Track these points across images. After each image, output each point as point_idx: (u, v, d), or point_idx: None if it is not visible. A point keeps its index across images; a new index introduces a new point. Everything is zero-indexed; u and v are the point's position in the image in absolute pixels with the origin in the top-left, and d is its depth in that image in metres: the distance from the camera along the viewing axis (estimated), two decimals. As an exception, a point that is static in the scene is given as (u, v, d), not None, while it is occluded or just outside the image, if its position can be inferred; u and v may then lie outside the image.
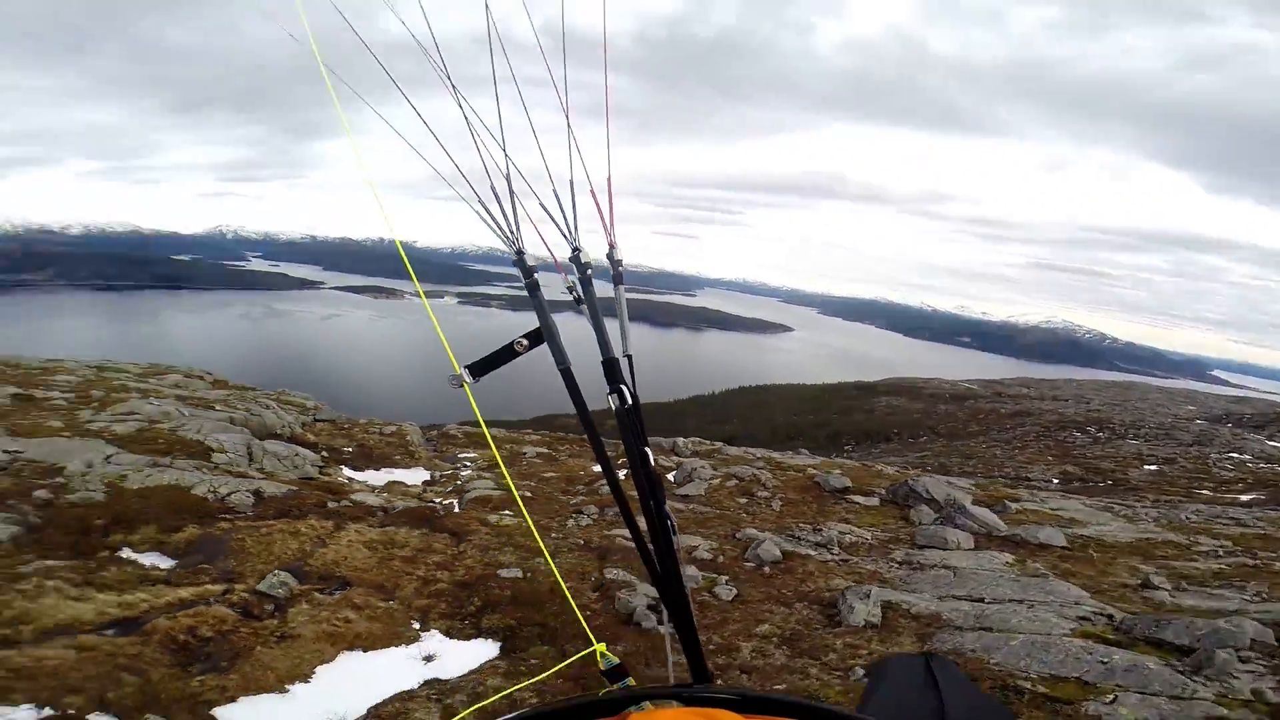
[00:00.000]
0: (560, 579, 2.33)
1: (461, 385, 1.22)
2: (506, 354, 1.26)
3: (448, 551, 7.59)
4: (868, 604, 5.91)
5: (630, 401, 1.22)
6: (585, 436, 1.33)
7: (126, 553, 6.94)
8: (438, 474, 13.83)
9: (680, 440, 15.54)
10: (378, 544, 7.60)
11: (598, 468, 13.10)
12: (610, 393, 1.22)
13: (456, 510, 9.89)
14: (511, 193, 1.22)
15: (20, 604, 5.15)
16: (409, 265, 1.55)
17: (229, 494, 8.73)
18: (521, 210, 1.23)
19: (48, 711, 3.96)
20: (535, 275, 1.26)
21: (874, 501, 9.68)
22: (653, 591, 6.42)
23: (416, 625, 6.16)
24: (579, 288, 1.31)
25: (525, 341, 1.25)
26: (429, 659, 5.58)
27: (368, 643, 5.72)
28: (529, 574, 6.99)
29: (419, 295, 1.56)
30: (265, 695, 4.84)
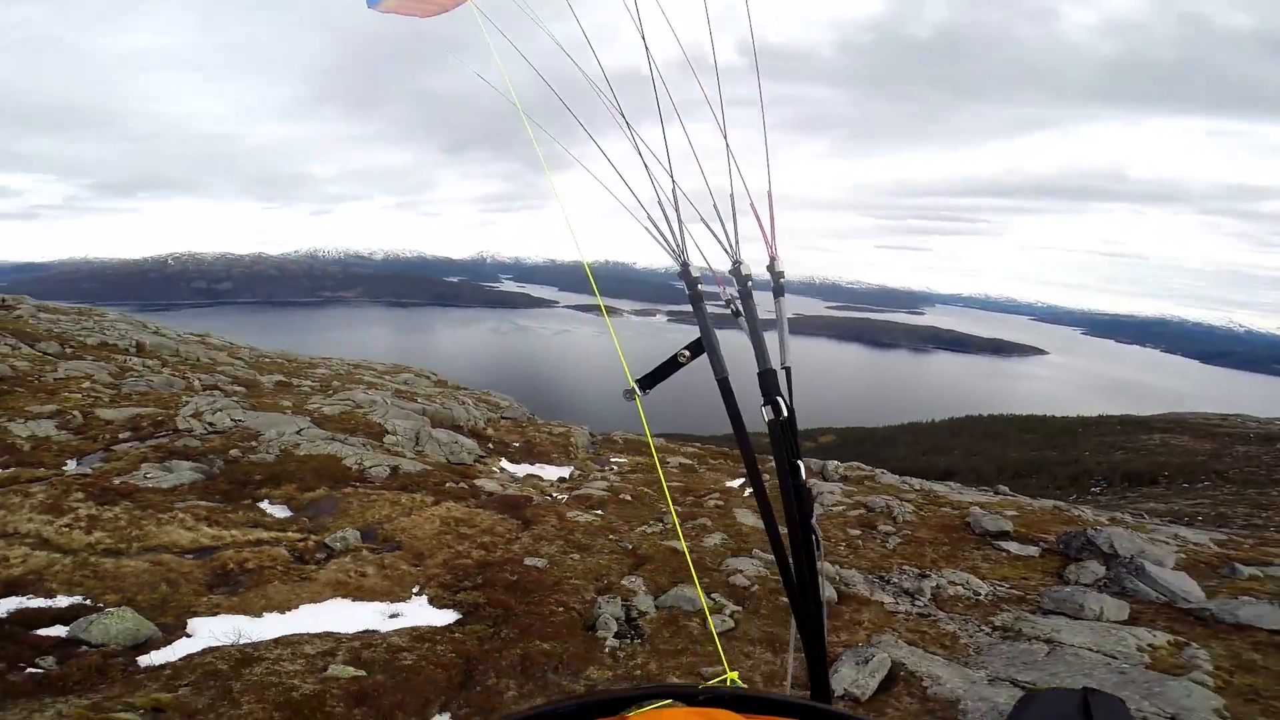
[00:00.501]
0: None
1: (633, 398, 1.28)
2: (671, 366, 1.30)
3: (505, 535, 7.80)
4: (861, 670, 4.55)
5: (785, 414, 1.22)
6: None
7: (265, 504, 8.35)
8: (577, 472, 14.12)
9: (830, 464, 13.92)
10: (453, 520, 8.11)
11: (731, 483, 12.22)
12: (765, 404, 1.22)
13: (554, 502, 9.93)
14: (677, 207, 1.26)
15: (149, 528, 6.30)
16: (594, 282, 1.67)
17: (371, 467, 9.91)
18: (688, 226, 1.29)
19: (82, 600, 4.76)
20: (699, 287, 1.28)
21: (1032, 551, 7.42)
22: (638, 605, 5.91)
23: (416, 589, 6.37)
24: (738, 301, 1.34)
25: (688, 353, 1.28)
26: (394, 616, 5.83)
27: (360, 594, 6.12)
28: (553, 566, 6.85)
29: (601, 310, 1.82)
30: (242, 616, 5.45)
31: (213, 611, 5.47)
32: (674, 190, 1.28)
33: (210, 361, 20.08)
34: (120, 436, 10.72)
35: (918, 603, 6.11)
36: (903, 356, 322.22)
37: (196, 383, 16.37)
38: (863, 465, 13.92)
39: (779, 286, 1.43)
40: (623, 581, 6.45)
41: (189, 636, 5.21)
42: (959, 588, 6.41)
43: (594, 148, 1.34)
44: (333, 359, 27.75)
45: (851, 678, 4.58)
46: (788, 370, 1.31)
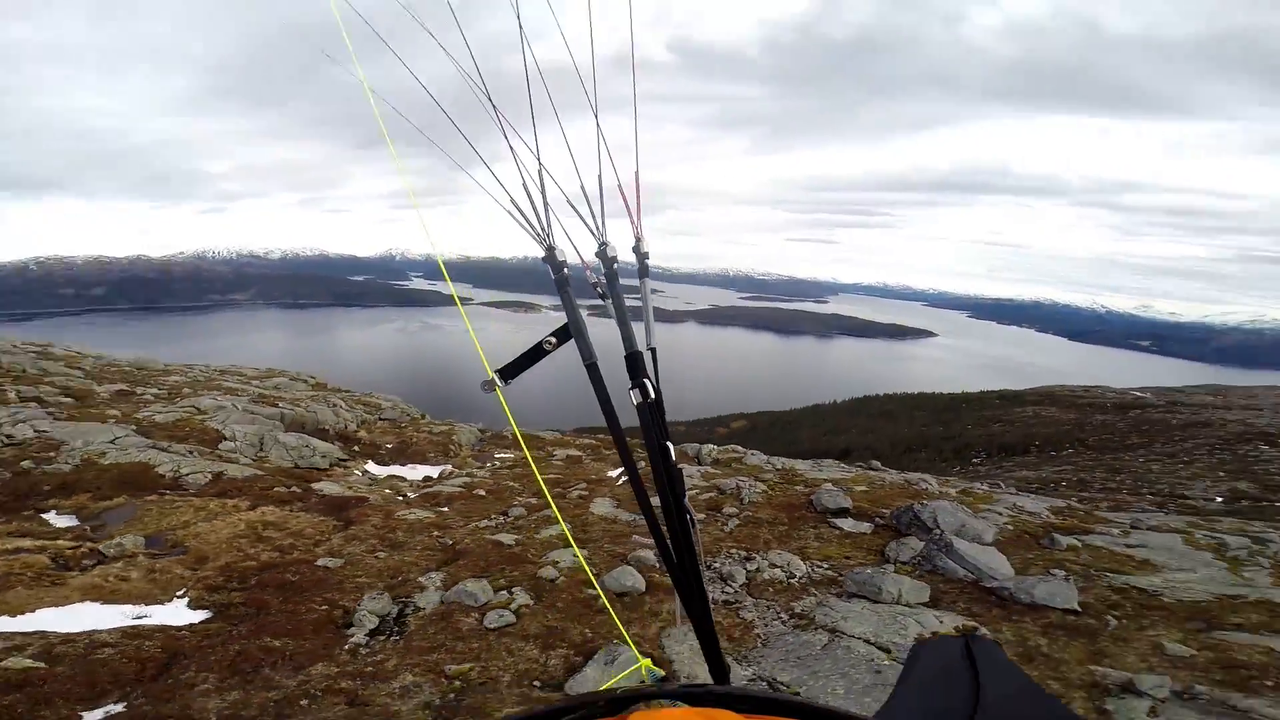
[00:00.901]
0: None
1: (494, 389, 1.23)
2: (536, 353, 1.24)
3: (314, 537, 7.38)
4: (606, 671, 4.31)
5: (652, 396, 1.20)
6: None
7: (51, 515, 7.67)
8: (452, 470, 13.55)
9: (705, 447, 13.99)
10: (261, 524, 7.65)
11: (613, 473, 12.03)
12: (632, 387, 1.19)
13: (395, 502, 9.45)
14: (543, 189, 1.23)
15: None
16: (447, 275, 1.65)
17: (188, 474, 9.36)
18: (554, 211, 1.25)
19: None
20: (565, 271, 1.22)
21: (865, 528, 7.40)
22: (418, 601, 5.61)
23: (180, 592, 5.97)
24: (603, 283, 1.29)
25: (554, 339, 1.23)
26: (140, 618, 5.56)
27: (114, 597, 5.76)
28: (347, 565, 6.54)
29: (456, 303, 1.68)
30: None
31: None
32: (540, 171, 1.24)
33: (39, 372, 17.80)
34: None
35: (728, 589, 5.86)
36: (809, 343, 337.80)
37: (14, 395, 14.43)
38: (737, 448, 14.03)
39: (644, 267, 1.40)
40: (420, 578, 5.98)
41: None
42: (778, 570, 6.20)
43: (460, 131, 1.32)
44: (196, 365, 25.46)
45: (595, 679, 4.21)
46: (653, 352, 1.29)
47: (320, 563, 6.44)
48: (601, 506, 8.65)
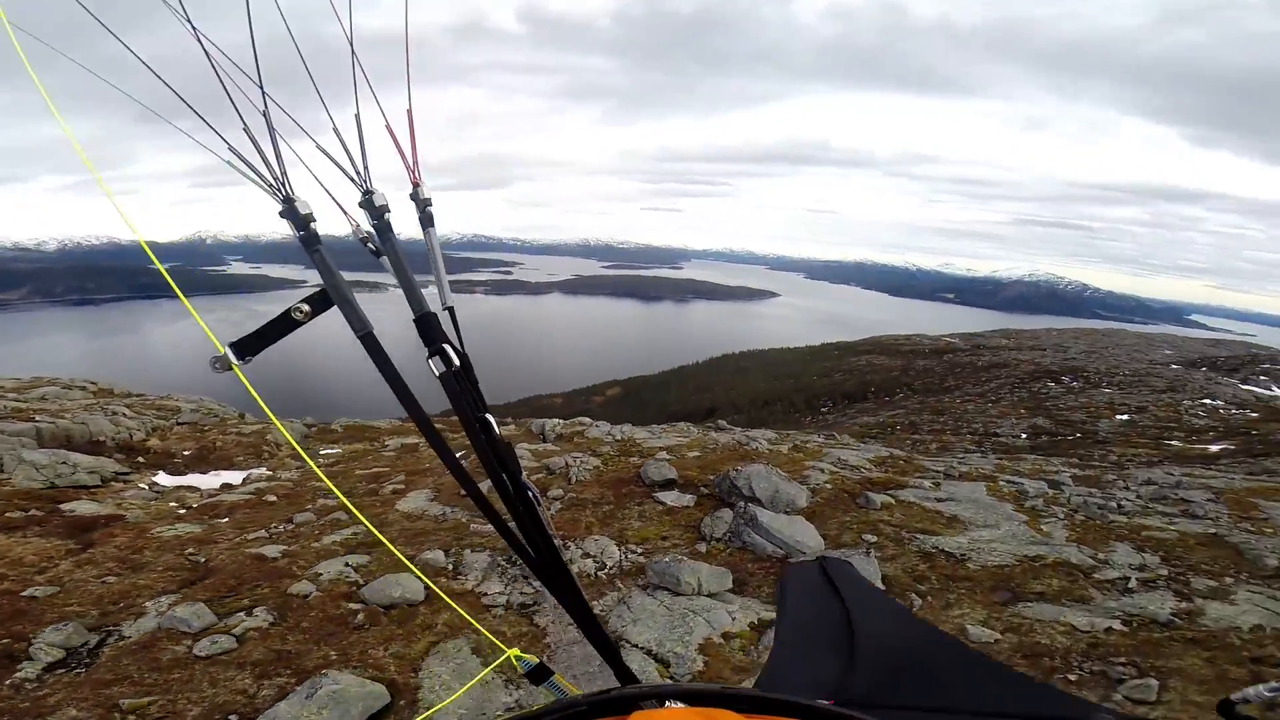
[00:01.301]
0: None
1: (229, 368, 0.98)
2: (284, 324, 1.01)
3: (35, 563, 6.08)
4: (305, 707, 3.49)
5: (457, 363, 1.04)
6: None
7: None
8: (265, 473, 12.05)
9: (549, 422, 13.62)
10: None
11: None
12: (430, 355, 1.03)
13: (158, 518, 8.11)
14: (269, 123, 0.98)
15: None
16: (161, 267, 1.28)
17: None
18: (292, 153, 1.02)
19: None
20: (313, 226, 0.99)
21: (688, 500, 7.12)
22: (127, 630, 4.72)
23: None
24: (374, 236, 1.10)
25: (306, 307, 1.01)
26: None
27: None
28: (61, 592, 5.46)
29: (174, 289, 1.15)
30: None
31: None
32: (265, 107, 0.98)
33: None
34: None
35: (527, 590, 5.18)
36: (669, 308, 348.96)
37: None
38: (583, 420, 13.75)
39: (427, 215, 1.19)
40: (147, 603, 5.00)
41: None
42: (589, 560, 5.71)
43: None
44: (-78, 378, 20.54)
45: (288, 714, 3.42)
46: (451, 311, 1.14)
47: (27, 593, 5.31)
48: (413, 502, 7.84)
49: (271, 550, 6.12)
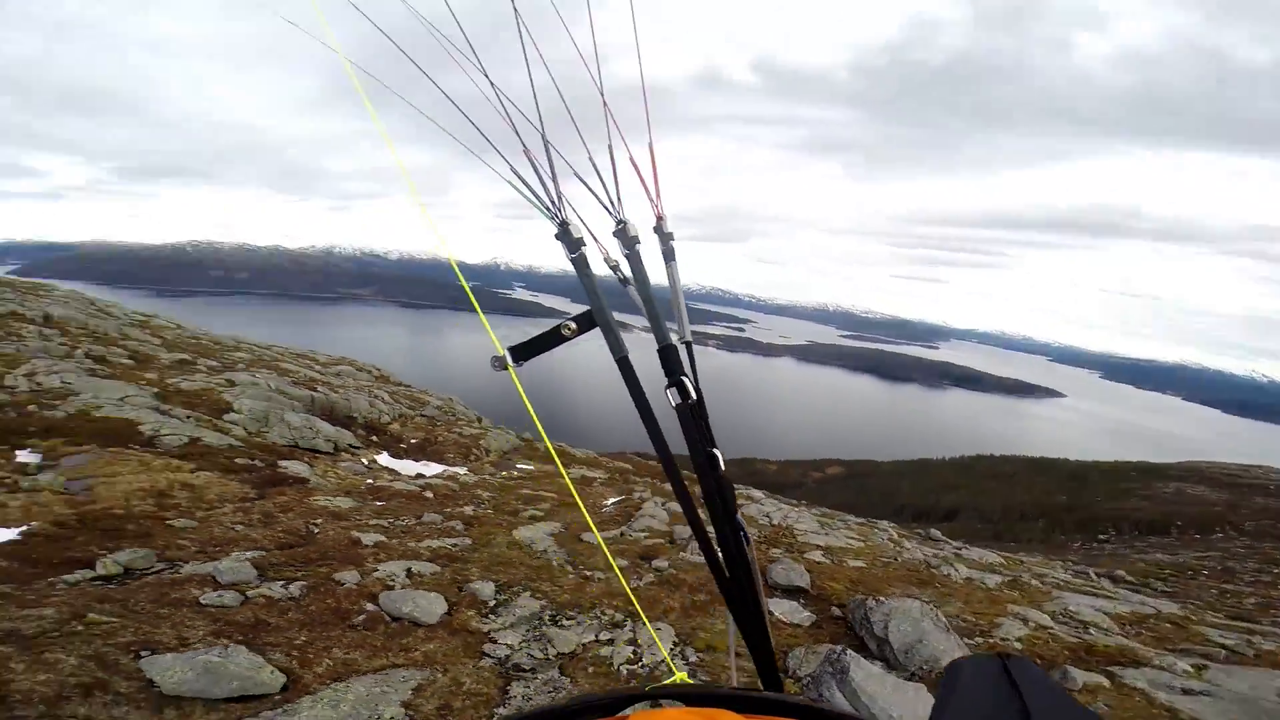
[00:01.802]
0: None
1: (505, 368, 1.14)
2: (553, 338, 1.13)
3: (209, 503, 6.84)
4: None
5: (693, 396, 1.09)
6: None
7: (22, 453, 7.80)
8: (463, 471, 12.82)
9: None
10: (176, 484, 7.36)
11: (610, 501, 10.61)
12: (669, 386, 1.09)
13: (362, 491, 8.67)
14: (549, 157, 1.10)
15: None
16: (464, 282, 1.50)
17: (166, 435, 9.24)
18: (563, 183, 1.19)
19: None
20: (583, 250, 1.09)
21: (806, 619, 5.30)
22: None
23: (30, 524, 5.43)
24: (623, 265, 1.18)
25: (574, 325, 1.13)
26: None
27: None
28: (199, 526, 6.08)
29: (471, 301, 1.42)
30: None
31: None
32: (543, 136, 1.12)
33: (119, 336, 18.98)
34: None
35: (536, 656, 4.14)
36: (916, 391, 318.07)
37: (80, 352, 15.25)
38: (753, 493, 11.99)
39: (669, 249, 1.27)
40: (234, 552, 5.11)
41: None
42: (630, 648, 4.38)
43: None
44: (275, 346, 26.63)
45: (165, 665, 3.22)
46: (689, 345, 1.20)
47: (170, 520, 6.01)
48: (531, 532, 7.12)
49: (370, 538, 6.12)
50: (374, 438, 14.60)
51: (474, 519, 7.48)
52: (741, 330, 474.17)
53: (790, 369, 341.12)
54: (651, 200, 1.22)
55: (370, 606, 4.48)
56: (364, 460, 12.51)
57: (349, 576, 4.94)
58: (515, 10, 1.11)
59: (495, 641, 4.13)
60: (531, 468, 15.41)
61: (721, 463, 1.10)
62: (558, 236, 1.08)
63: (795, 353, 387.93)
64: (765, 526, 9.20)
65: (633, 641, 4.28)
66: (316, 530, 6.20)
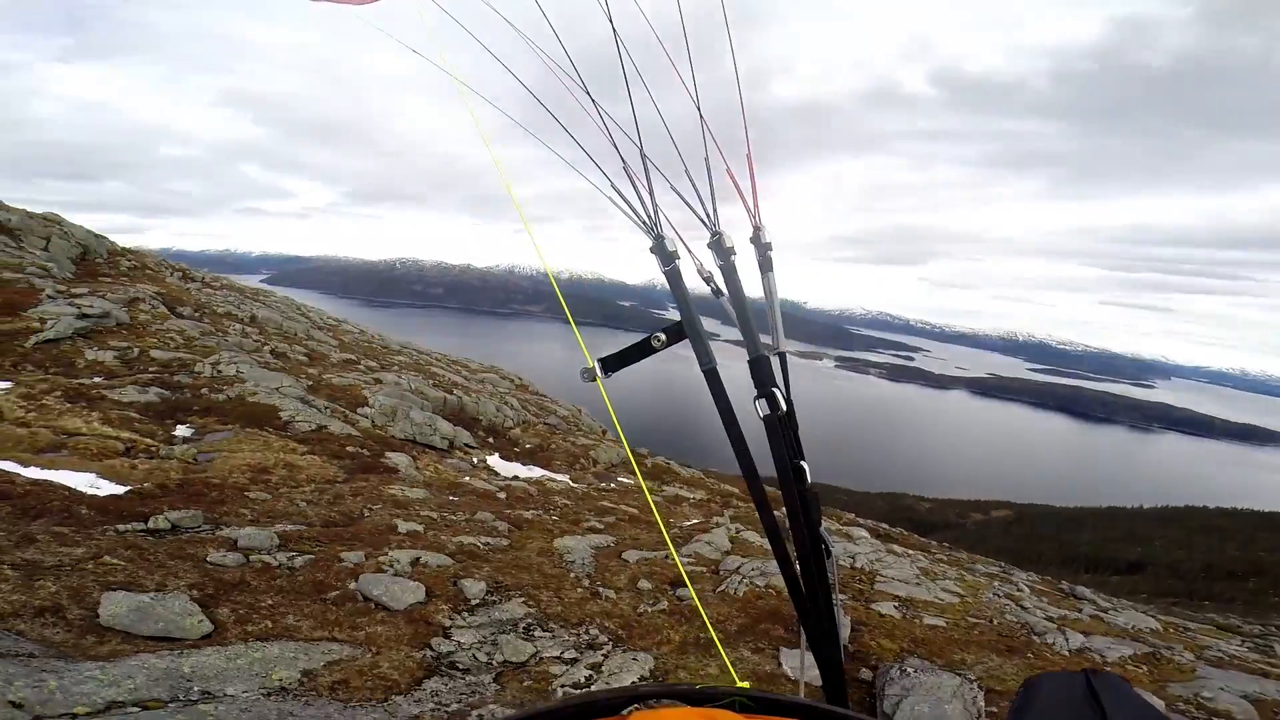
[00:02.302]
0: None
1: (594, 379, 1.19)
2: (643, 349, 1.19)
3: (301, 481, 7.62)
4: None
5: (783, 408, 1.14)
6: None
7: (181, 427, 9.14)
8: (565, 480, 13.22)
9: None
10: (283, 462, 8.27)
11: (692, 520, 10.28)
12: (758, 397, 1.14)
13: (450, 485, 9.25)
14: (646, 172, 1.17)
15: (65, 418, 7.76)
16: (563, 301, 1.62)
17: (299, 421, 10.56)
18: (661, 205, 1.35)
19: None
20: (677, 263, 1.16)
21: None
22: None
23: (141, 482, 6.34)
24: (717, 276, 1.21)
25: (664, 336, 1.18)
26: (91, 486, 6.06)
27: (103, 470, 6.43)
28: (274, 501, 6.69)
29: (565, 313, 1.65)
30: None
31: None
32: (641, 151, 1.19)
33: (304, 336, 22.20)
34: (149, 369, 12.11)
35: (472, 679, 3.61)
36: (1119, 434, 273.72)
37: (266, 349, 18.04)
38: (859, 522, 10.90)
39: (766, 260, 1.30)
40: (280, 523, 5.61)
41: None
42: (590, 670, 3.76)
43: (554, 128, 1.35)
44: (434, 352, 29.50)
45: (113, 602, 3.54)
46: (782, 357, 1.23)
47: (250, 492, 6.81)
48: (572, 542, 6.91)
49: (407, 526, 6.38)
50: (491, 440, 15.52)
51: (527, 522, 7.60)
52: (910, 359, 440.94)
53: (964, 402, 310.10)
54: (749, 210, 1.26)
55: (351, 585, 4.66)
56: (474, 459, 13.35)
57: (353, 556, 5.18)
58: (618, 46, 1.17)
59: (448, 638, 4.09)
60: (630, 482, 15.45)
61: (808, 476, 1.12)
62: (653, 250, 1.14)
63: (971, 385, 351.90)
64: (842, 569, 8.32)
65: (596, 666, 4.01)
66: (368, 515, 6.70)
